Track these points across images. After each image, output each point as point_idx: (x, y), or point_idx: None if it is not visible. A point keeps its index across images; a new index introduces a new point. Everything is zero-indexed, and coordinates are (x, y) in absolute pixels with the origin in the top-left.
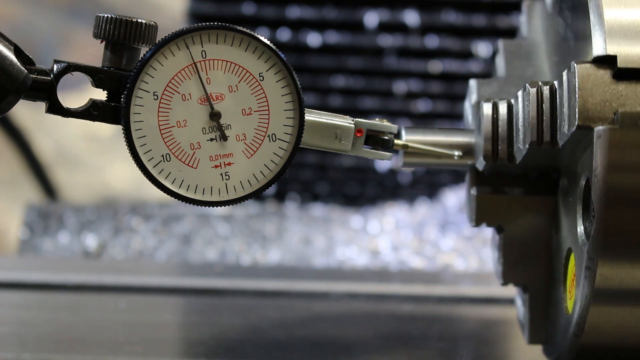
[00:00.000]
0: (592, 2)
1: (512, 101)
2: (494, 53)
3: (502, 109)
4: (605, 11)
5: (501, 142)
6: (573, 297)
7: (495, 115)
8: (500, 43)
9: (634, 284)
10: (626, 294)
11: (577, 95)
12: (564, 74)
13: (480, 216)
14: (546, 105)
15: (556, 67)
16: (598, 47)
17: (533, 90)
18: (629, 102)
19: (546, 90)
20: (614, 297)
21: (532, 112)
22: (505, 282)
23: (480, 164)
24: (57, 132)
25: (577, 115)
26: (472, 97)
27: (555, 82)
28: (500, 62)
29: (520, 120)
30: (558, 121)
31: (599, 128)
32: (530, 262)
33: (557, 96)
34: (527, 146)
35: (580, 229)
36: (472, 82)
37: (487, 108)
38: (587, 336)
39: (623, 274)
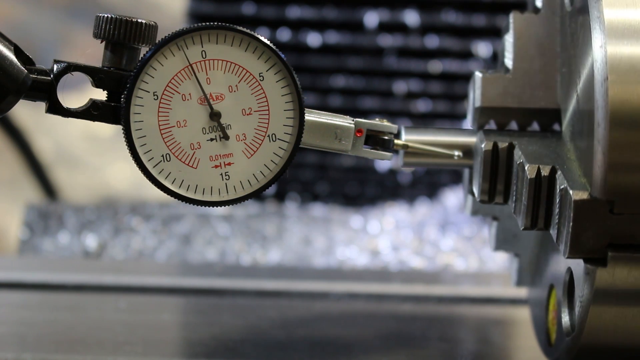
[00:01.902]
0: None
1: (514, 142)
2: (495, 53)
3: (503, 154)
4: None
5: (499, 185)
6: (555, 327)
7: (495, 159)
8: (511, 17)
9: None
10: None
11: (570, 227)
12: (563, 191)
13: (475, 210)
14: (544, 193)
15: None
16: (596, 189)
17: (532, 178)
18: (622, 235)
19: (545, 180)
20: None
21: (528, 199)
22: (496, 250)
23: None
24: (57, 132)
25: (568, 248)
26: (477, 94)
27: (557, 169)
28: (509, 47)
29: (517, 184)
30: (553, 214)
31: (589, 266)
32: (520, 239)
33: (556, 190)
34: (522, 228)
35: (566, 319)
36: (478, 77)
37: (487, 155)
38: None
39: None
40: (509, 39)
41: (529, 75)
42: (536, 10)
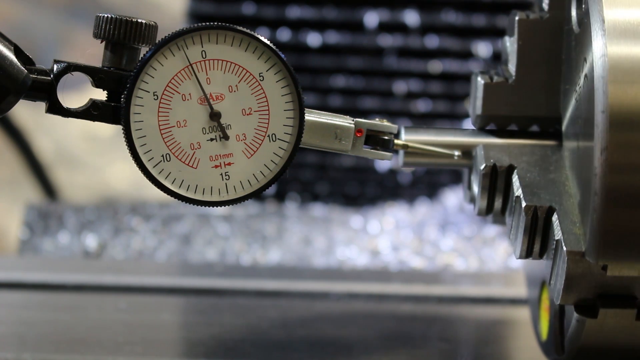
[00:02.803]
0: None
1: (514, 165)
2: (495, 53)
3: (501, 175)
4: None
5: (497, 202)
6: (547, 322)
7: (493, 178)
8: (517, 22)
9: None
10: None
11: (562, 279)
12: (557, 242)
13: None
14: (539, 233)
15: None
16: (590, 254)
17: (528, 218)
18: (613, 288)
19: (541, 220)
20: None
21: (524, 236)
22: (494, 223)
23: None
24: (57, 132)
25: (559, 296)
26: (478, 101)
27: (554, 209)
28: (512, 52)
29: (514, 215)
30: (548, 251)
31: (579, 317)
32: None
33: (551, 233)
34: (517, 258)
35: (557, 340)
36: (480, 84)
37: (485, 177)
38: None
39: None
40: (513, 43)
41: (532, 82)
42: (542, 9)
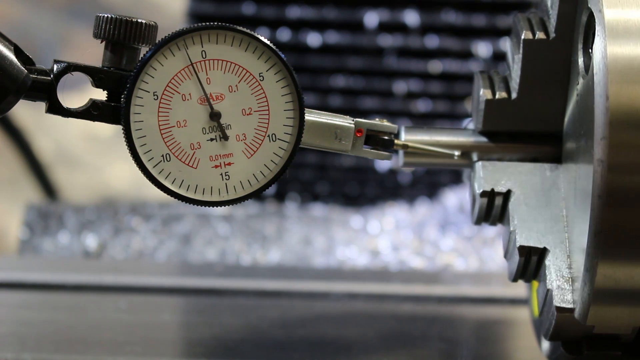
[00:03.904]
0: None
1: (512, 190)
2: (495, 53)
3: (499, 198)
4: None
5: (492, 218)
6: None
7: (490, 201)
8: (521, 40)
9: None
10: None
11: (551, 325)
12: (549, 292)
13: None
14: (532, 266)
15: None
16: (580, 316)
17: (522, 258)
18: (598, 329)
19: (534, 262)
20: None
21: (517, 269)
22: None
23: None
24: (57, 132)
25: (548, 335)
26: (479, 117)
27: (547, 251)
28: (516, 69)
29: (510, 242)
30: (539, 280)
31: (566, 354)
32: None
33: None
34: (511, 280)
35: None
36: (482, 98)
37: (483, 201)
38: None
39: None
40: (517, 61)
41: (535, 100)
42: (547, 11)
